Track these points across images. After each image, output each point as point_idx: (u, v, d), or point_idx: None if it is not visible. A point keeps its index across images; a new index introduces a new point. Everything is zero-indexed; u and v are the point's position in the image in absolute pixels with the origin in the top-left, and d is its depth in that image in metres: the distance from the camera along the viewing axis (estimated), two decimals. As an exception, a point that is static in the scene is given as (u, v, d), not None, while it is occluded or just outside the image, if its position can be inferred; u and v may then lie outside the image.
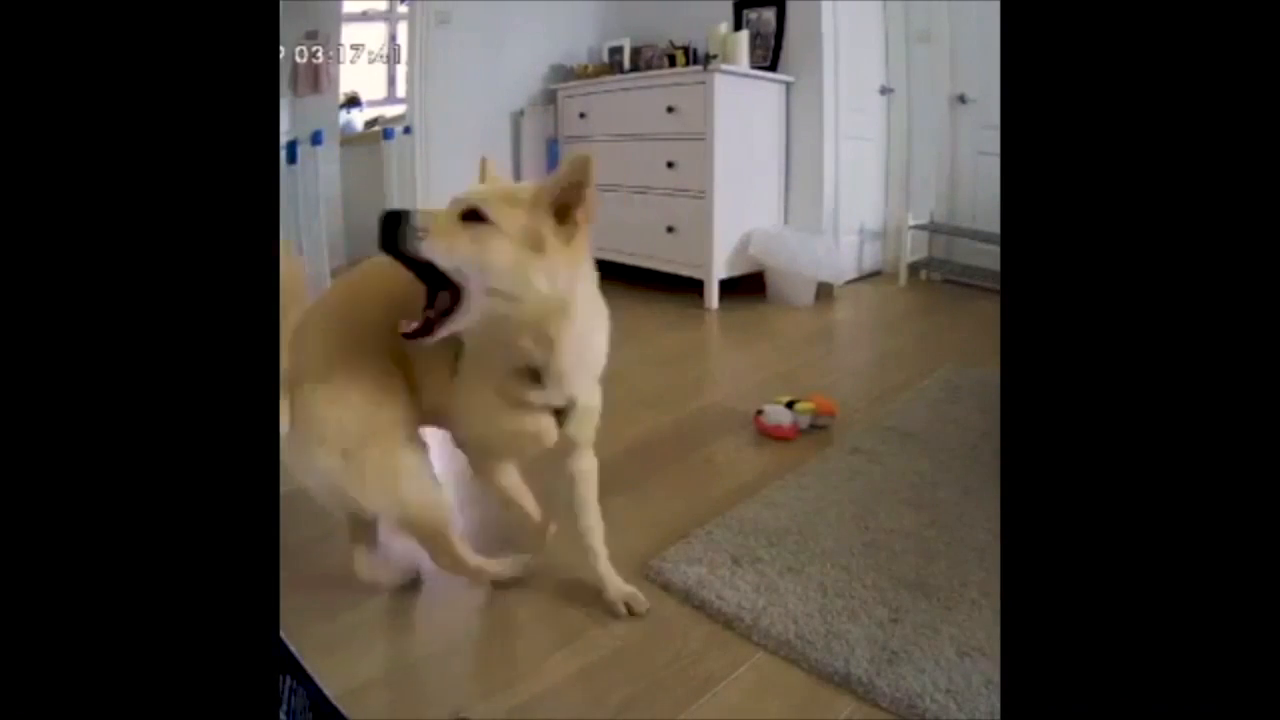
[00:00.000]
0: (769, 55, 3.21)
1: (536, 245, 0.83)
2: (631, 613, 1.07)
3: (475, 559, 1.08)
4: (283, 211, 2.67)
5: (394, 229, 0.79)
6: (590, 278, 0.92)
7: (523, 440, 0.97)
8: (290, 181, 2.69)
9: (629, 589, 1.09)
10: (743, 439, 1.72)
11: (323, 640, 1.02)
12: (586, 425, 1.03)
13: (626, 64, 3.53)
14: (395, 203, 3.23)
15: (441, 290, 0.84)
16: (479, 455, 1.05)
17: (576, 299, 0.87)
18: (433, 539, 1.03)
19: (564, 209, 0.85)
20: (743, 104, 3.03)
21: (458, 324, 0.84)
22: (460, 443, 1.06)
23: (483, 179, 0.99)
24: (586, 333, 0.91)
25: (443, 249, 0.80)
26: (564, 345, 0.88)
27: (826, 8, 3.09)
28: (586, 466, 1.09)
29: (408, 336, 0.84)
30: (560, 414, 0.97)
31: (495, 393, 0.93)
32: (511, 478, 1.09)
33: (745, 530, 1.28)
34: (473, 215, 0.82)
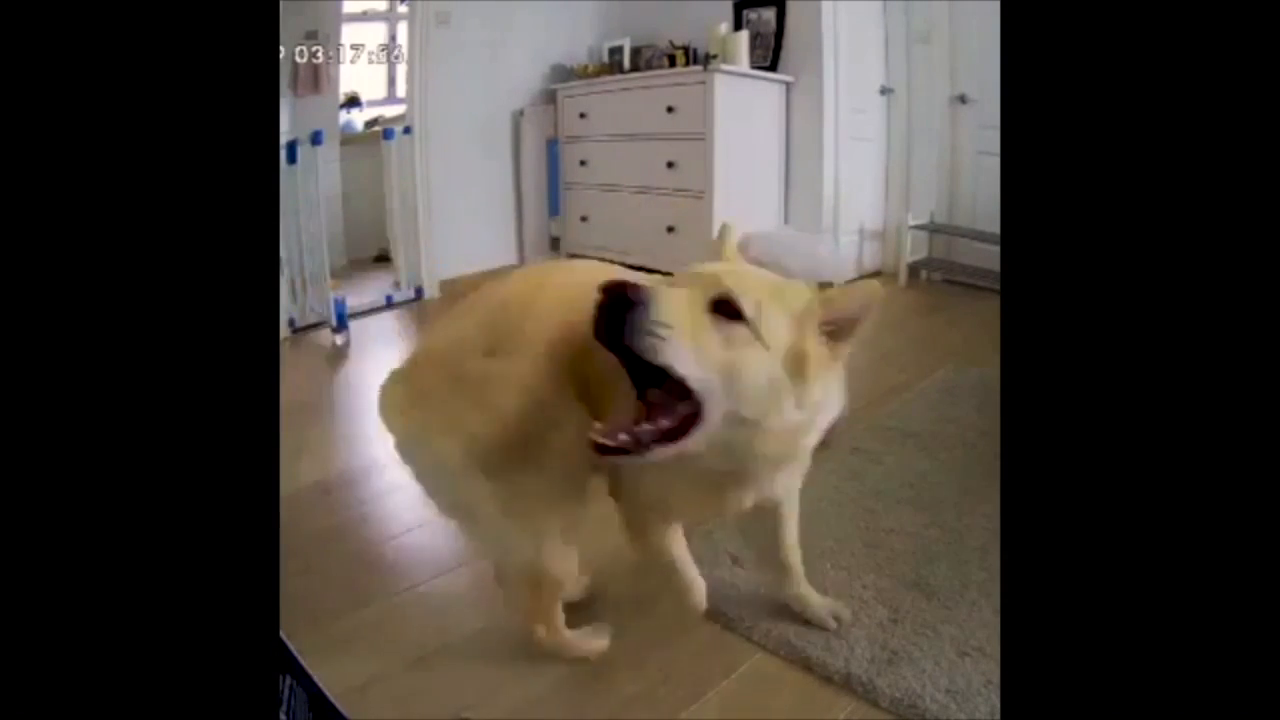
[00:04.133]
0: (769, 55, 3.20)
1: (799, 369, 0.67)
2: (839, 621, 1.03)
3: (566, 633, 0.97)
4: (283, 211, 2.67)
5: (620, 315, 0.61)
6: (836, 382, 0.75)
7: (711, 508, 0.88)
8: (290, 181, 2.68)
9: (830, 603, 1.05)
10: (743, 439, 1.71)
11: (323, 640, 1.02)
12: (793, 489, 0.96)
13: (626, 64, 3.52)
14: (395, 202, 3.22)
15: (653, 389, 0.66)
16: (647, 515, 0.91)
17: (819, 419, 0.73)
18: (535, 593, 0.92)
19: (835, 332, 0.70)
20: (743, 104, 3.02)
21: (681, 449, 0.67)
22: (618, 494, 0.91)
23: (723, 255, 0.81)
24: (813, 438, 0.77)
25: (689, 357, 0.62)
26: (794, 467, 0.81)
27: (826, 8, 3.09)
28: (792, 507, 1.01)
29: (602, 451, 0.65)
30: None
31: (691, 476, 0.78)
32: (679, 543, 0.94)
33: (745, 530, 1.28)
34: (725, 308, 0.65)
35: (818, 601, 1.05)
